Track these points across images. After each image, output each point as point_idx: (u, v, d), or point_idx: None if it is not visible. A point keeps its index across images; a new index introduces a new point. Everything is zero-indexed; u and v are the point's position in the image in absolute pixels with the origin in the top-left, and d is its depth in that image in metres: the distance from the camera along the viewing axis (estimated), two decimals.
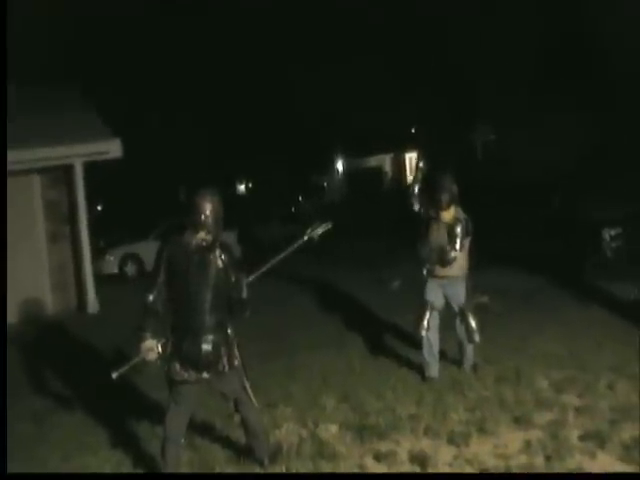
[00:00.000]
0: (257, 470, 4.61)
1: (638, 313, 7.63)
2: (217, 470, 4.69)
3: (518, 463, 4.45)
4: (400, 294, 9.97)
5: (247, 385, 4.59)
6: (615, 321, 7.53)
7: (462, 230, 6.05)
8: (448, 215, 6.10)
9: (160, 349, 4.39)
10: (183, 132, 29.51)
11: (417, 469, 4.49)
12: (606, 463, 4.38)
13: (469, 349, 6.31)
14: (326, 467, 4.59)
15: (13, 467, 5.01)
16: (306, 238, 5.02)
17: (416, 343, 6.95)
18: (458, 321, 6.26)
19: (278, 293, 11.01)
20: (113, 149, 11.72)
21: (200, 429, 5.42)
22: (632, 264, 9.36)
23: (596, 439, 4.67)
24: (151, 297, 4.41)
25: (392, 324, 8.18)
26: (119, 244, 16.74)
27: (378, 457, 4.72)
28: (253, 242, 19.21)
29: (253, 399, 4.61)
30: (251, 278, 4.64)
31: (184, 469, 4.74)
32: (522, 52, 22.48)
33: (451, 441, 4.87)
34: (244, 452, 4.86)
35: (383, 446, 4.89)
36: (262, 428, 4.78)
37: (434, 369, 6.15)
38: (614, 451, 4.52)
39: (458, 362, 6.44)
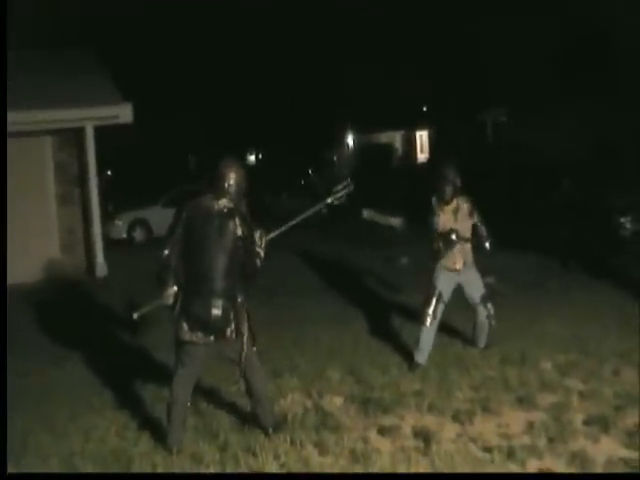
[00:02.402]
0: (261, 437, 4.65)
1: None
2: (221, 436, 4.73)
3: (521, 443, 4.48)
4: (407, 271, 10.00)
5: (254, 351, 4.63)
6: (623, 307, 7.53)
7: (465, 214, 6.04)
8: (451, 207, 6.06)
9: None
10: (195, 101, 29.36)
11: (421, 444, 4.52)
12: (609, 448, 4.40)
13: (486, 332, 6.26)
14: (330, 438, 4.63)
15: (20, 423, 5.07)
16: (329, 201, 5.10)
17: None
18: (481, 307, 6.15)
19: (287, 268, 11.05)
20: (124, 114, 11.68)
21: (206, 395, 5.47)
22: None
23: (600, 424, 4.69)
24: (166, 252, 4.50)
25: (399, 301, 8.21)
26: (128, 209, 16.75)
27: (382, 431, 4.77)
28: (262, 213, 19.22)
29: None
30: (273, 235, 4.75)
31: (189, 434, 4.80)
32: (539, 33, 22.24)
33: (455, 418, 4.91)
34: (249, 419, 4.92)
35: (387, 420, 4.93)
36: (267, 396, 4.82)
37: (424, 356, 6.01)
38: (617, 437, 4.54)
39: (466, 341, 6.46)
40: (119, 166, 28.56)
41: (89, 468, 4.39)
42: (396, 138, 40.17)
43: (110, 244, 13.70)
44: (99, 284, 11.04)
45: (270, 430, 4.71)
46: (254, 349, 4.64)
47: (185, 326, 4.44)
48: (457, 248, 6.03)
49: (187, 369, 4.55)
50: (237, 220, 4.47)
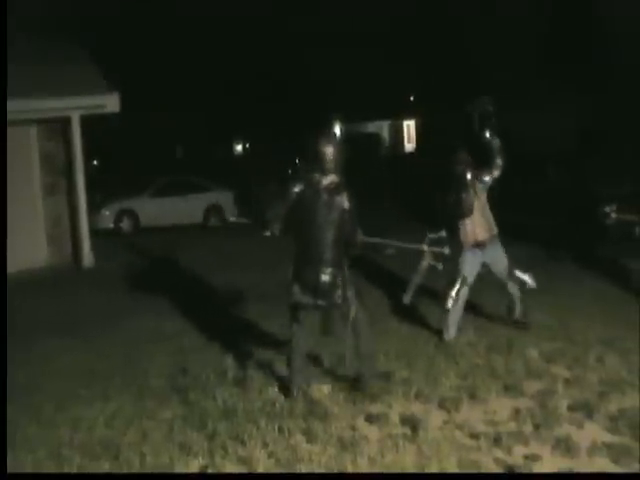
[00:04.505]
0: (249, 426, 4.67)
1: (631, 288, 7.72)
2: (210, 425, 4.75)
3: (507, 430, 4.53)
4: (393, 261, 10.02)
5: (361, 312, 5.08)
6: (609, 295, 7.61)
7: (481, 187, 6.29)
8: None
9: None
10: (182, 91, 29.19)
11: (408, 432, 4.56)
12: (593, 433, 4.47)
13: (519, 304, 6.46)
14: (318, 426, 4.66)
15: (9, 413, 5.06)
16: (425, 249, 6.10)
17: (409, 309, 7.03)
18: (510, 283, 6.37)
19: (276, 257, 11.04)
20: (110, 103, 11.61)
21: (194, 384, 5.49)
22: (630, 240, 9.41)
23: (584, 410, 4.76)
24: (269, 214, 5.16)
25: (385, 291, 8.23)
26: (115, 199, 16.67)
27: (370, 418, 4.80)
28: (250, 203, 19.18)
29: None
30: (371, 240, 5.34)
31: (178, 423, 4.82)
32: (526, 22, 22.27)
33: (442, 406, 4.95)
34: (238, 408, 4.95)
35: (375, 408, 4.96)
36: (371, 355, 5.23)
37: (452, 333, 6.25)
38: (601, 422, 4.62)
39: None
40: (106, 156, 28.41)
41: (77, 458, 4.39)
42: (383, 128, 40.18)
43: (97, 234, 13.64)
44: (86, 274, 11.02)
45: (369, 381, 5.10)
46: (362, 311, 5.09)
47: (297, 290, 4.95)
48: (478, 219, 6.21)
49: (301, 325, 5.11)
50: (344, 194, 4.91)
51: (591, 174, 11.86)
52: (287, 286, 5.01)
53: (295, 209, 5.00)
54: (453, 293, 6.17)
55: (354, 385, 5.20)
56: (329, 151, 4.96)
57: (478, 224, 6.25)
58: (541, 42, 21.84)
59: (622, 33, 19.14)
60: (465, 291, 6.27)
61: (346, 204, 4.91)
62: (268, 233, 5.21)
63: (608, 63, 19.60)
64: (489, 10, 23.32)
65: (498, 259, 6.35)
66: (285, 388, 5.23)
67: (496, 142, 6.32)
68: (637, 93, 17.09)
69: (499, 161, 6.30)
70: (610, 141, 16.69)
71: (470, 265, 6.26)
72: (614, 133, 17.57)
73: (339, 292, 4.91)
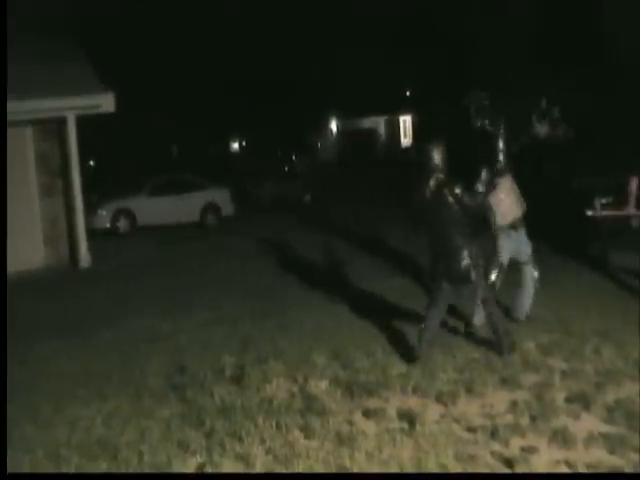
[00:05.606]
0: (247, 423, 4.68)
1: (628, 280, 7.73)
2: (207, 423, 4.76)
3: (504, 422, 4.54)
4: (389, 255, 10.05)
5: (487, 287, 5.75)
6: (605, 288, 7.62)
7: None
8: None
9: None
10: (178, 90, 29.15)
11: (405, 426, 4.57)
12: (590, 424, 4.48)
13: (527, 299, 6.53)
14: (315, 422, 4.67)
15: (8, 414, 5.07)
16: None
17: (405, 304, 7.05)
18: (528, 267, 6.48)
19: (269, 255, 11.07)
20: (106, 103, 11.59)
21: (192, 383, 5.50)
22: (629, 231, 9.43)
23: (581, 401, 4.77)
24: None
25: (382, 285, 8.24)
26: (112, 199, 16.64)
27: (367, 413, 4.81)
28: (247, 200, 19.19)
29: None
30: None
31: (175, 422, 4.83)
32: (522, 18, 22.27)
33: (439, 400, 4.96)
34: (235, 406, 4.95)
35: (372, 403, 4.97)
36: (499, 321, 5.71)
37: (481, 318, 6.36)
38: (598, 413, 4.62)
39: (458, 319, 6.58)
40: (102, 156, 28.37)
41: (75, 458, 4.40)
42: (380, 123, 40.22)
43: (94, 234, 13.62)
44: (83, 275, 11.02)
45: (505, 353, 5.61)
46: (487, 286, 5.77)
47: (443, 281, 5.62)
48: (511, 199, 6.34)
49: (439, 309, 5.73)
50: (448, 184, 5.49)
51: (586, 166, 11.87)
52: (433, 280, 5.72)
53: (422, 220, 5.71)
54: (490, 282, 6.27)
55: (494, 349, 5.70)
56: (434, 156, 5.56)
57: (512, 203, 6.37)
58: (540, 42, 21.82)
59: (622, 33, 19.11)
60: (501, 279, 6.41)
61: (452, 193, 5.47)
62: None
63: (607, 63, 19.58)
64: (487, 10, 23.29)
65: (526, 243, 6.48)
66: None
67: (495, 126, 6.38)
68: (636, 93, 17.07)
69: (501, 145, 6.37)
70: (605, 133, 16.69)
71: (506, 249, 6.40)
72: (609, 132, 17.57)
73: (474, 272, 5.56)
